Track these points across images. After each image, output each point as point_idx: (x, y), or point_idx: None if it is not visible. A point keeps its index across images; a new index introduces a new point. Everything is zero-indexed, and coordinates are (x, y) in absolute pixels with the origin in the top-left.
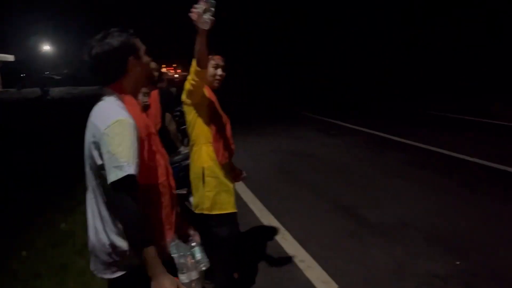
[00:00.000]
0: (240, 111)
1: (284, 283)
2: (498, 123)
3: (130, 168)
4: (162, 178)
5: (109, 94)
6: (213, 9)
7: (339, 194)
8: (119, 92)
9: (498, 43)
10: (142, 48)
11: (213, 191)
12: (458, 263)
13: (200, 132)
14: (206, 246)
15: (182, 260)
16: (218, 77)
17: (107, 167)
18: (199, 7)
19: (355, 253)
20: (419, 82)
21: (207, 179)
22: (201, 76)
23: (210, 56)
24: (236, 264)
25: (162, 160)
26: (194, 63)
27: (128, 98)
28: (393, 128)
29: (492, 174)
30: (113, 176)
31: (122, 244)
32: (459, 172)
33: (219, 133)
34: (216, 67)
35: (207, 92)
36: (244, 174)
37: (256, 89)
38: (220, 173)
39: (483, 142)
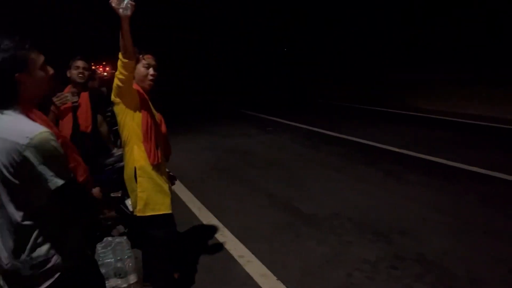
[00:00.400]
0: (178, 109)
1: (225, 280)
2: (420, 116)
3: (67, 173)
4: (81, 178)
5: (10, 109)
6: None
7: (275, 189)
8: (21, 107)
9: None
10: (37, 61)
11: (146, 191)
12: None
13: (131, 132)
14: (144, 248)
15: (119, 265)
16: (150, 77)
17: (45, 177)
18: None
19: (292, 245)
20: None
21: (139, 179)
22: (129, 69)
23: (140, 56)
24: (175, 265)
25: (80, 160)
26: (120, 55)
27: (32, 111)
28: (328, 123)
29: (413, 162)
30: (53, 184)
31: (41, 252)
32: (384, 162)
33: (151, 133)
34: (148, 66)
35: (137, 90)
36: (175, 182)
37: (194, 87)
38: (153, 173)
39: (404, 133)
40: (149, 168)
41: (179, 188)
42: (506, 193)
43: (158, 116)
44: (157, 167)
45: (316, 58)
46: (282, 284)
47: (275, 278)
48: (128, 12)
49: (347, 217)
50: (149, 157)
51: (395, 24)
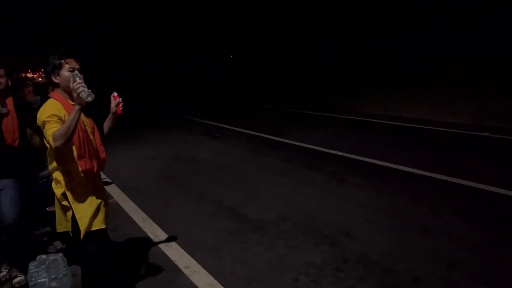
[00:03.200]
0: (123, 117)
1: None
2: (364, 120)
3: None
4: None
5: None
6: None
7: (221, 196)
8: None
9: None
10: None
11: (80, 213)
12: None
13: (61, 152)
14: (79, 265)
15: (54, 284)
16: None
17: None
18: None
19: (238, 252)
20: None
21: (73, 205)
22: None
23: (63, 61)
24: (118, 279)
25: None
26: (52, 141)
27: None
28: (274, 129)
29: (355, 165)
30: None
31: None
32: (327, 166)
33: (84, 148)
34: (72, 70)
35: (64, 111)
36: (113, 200)
37: (137, 93)
38: (86, 192)
39: (348, 137)
40: (80, 187)
41: (122, 198)
42: (437, 191)
43: (90, 123)
44: (91, 182)
45: (262, 64)
46: None
47: (221, 287)
48: (91, 98)
49: (294, 221)
50: (82, 169)
51: (344, 31)
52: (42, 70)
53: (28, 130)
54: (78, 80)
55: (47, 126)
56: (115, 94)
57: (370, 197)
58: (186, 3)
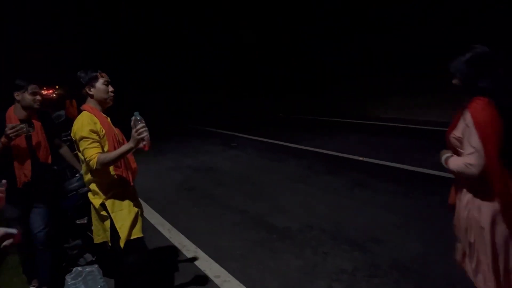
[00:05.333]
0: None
1: None
2: (379, 124)
3: None
4: None
5: None
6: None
7: (245, 205)
8: None
9: None
10: None
11: (120, 222)
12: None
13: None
14: (116, 275)
15: None
16: (111, 94)
17: None
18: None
19: (268, 261)
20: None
21: (112, 215)
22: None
23: (98, 73)
24: None
25: None
26: (99, 162)
27: None
28: (291, 136)
29: (376, 170)
30: None
31: None
32: (348, 171)
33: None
34: (107, 83)
35: (99, 124)
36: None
37: (153, 104)
38: (124, 201)
39: (365, 142)
40: (119, 197)
41: (147, 210)
42: None
43: (119, 134)
44: (128, 191)
45: (262, 64)
46: None
47: None
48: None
49: (320, 228)
50: (120, 182)
51: (344, 31)
52: (57, 86)
53: (56, 141)
54: (141, 124)
55: (85, 144)
56: (138, 117)
57: (396, 201)
58: (186, 3)
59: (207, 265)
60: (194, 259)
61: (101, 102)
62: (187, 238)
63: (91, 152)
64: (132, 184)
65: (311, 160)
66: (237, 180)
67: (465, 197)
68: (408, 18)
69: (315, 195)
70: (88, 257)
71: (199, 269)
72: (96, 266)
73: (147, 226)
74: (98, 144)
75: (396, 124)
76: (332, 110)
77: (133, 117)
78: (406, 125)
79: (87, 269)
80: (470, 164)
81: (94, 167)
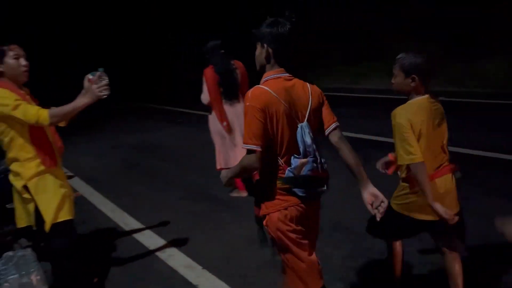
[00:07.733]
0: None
1: (148, 276)
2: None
3: None
4: None
5: None
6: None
7: (188, 180)
8: None
9: None
10: None
11: (44, 204)
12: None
13: (21, 146)
14: (47, 259)
15: (25, 280)
16: (24, 68)
17: None
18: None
19: (212, 231)
20: None
21: (36, 197)
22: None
23: (5, 47)
24: (93, 269)
25: None
26: (48, 116)
27: None
28: None
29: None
30: None
31: None
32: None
33: (42, 138)
34: (18, 57)
35: (16, 95)
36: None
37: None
38: (48, 183)
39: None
40: (44, 179)
41: (88, 191)
42: None
43: None
44: (54, 172)
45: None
46: (208, 272)
47: (200, 267)
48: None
49: None
50: (45, 164)
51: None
52: None
53: None
54: (105, 81)
55: (22, 108)
56: (90, 76)
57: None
58: None
59: (152, 241)
60: (138, 236)
61: (14, 79)
62: (132, 216)
63: (33, 110)
64: (57, 163)
65: None
66: (180, 155)
67: None
68: None
69: None
70: (23, 242)
71: (144, 246)
72: (29, 249)
73: (89, 208)
74: (34, 104)
75: (336, 94)
76: None
77: (97, 72)
78: (345, 94)
79: (18, 253)
80: None
81: (48, 121)
